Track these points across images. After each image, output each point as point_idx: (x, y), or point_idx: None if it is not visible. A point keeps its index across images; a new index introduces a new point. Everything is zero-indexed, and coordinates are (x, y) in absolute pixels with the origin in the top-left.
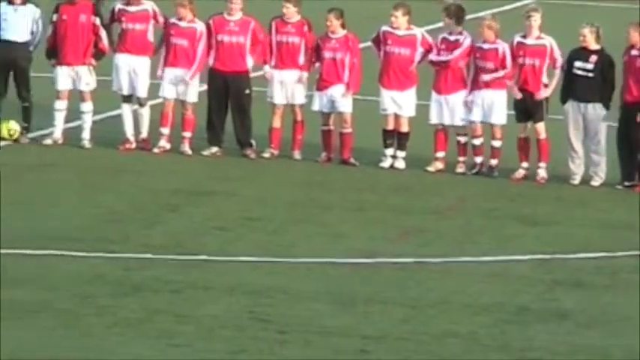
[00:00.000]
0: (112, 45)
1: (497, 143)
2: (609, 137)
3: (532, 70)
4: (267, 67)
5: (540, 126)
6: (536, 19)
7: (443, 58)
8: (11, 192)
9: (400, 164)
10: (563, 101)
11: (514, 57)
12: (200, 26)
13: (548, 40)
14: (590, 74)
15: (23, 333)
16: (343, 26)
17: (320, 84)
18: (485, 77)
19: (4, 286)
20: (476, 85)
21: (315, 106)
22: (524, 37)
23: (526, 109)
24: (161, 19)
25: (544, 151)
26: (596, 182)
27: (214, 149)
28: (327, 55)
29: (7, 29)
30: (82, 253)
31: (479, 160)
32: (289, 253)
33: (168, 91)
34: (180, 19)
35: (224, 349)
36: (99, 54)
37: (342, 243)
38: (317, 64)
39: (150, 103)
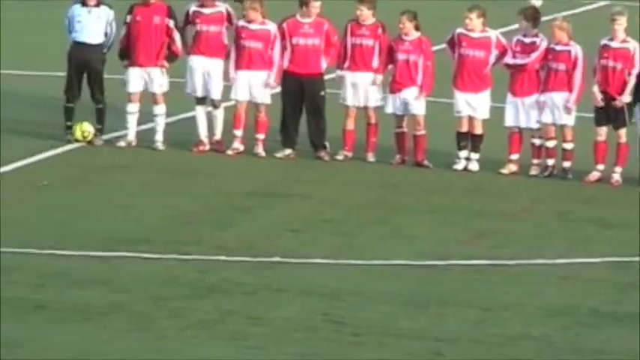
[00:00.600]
0: (185, 47)
1: (568, 145)
2: None
3: (615, 73)
4: (339, 70)
5: (622, 130)
6: (622, 23)
7: (519, 61)
8: (84, 194)
9: (474, 166)
10: (634, 104)
11: (598, 59)
12: (273, 28)
13: (633, 45)
14: None
15: (96, 335)
16: (417, 28)
17: (393, 86)
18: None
19: (76, 287)
20: (547, 86)
21: (389, 109)
22: (610, 39)
23: (607, 112)
24: (235, 22)
25: (622, 155)
26: None
27: (288, 151)
28: (400, 57)
29: (81, 31)
30: (155, 255)
31: (551, 162)
32: (362, 255)
33: (241, 94)
34: (249, 21)
35: (297, 352)
36: (172, 56)
37: (415, 245)
38: (390, 67)
39: (223, 105)
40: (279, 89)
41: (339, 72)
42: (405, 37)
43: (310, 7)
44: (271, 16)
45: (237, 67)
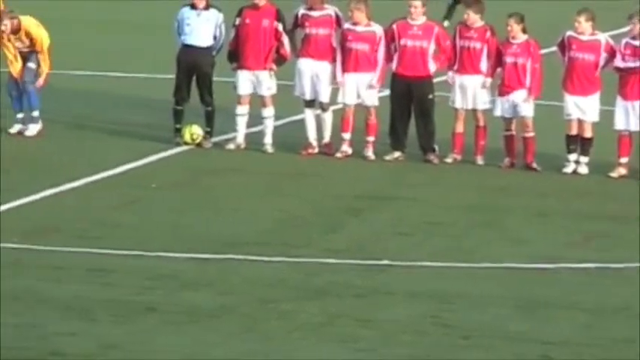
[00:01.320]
0: (294, 50)
1: None
2: None
3: None
4: (450, 73)
5: None
6: None
7: (631, 64)
8: (194, 196)
9: (583, 170)
10: None
11: None
12: (378, 30)
13: None
14: None
15: (205, 337)
16: (524, 31)
17: (502, 89)
18: None
19: (186, 290)
20: None
21: (497, 112)
22: None
23: None
24: (343, 25)
25: None
26: None
27: (397, 154)
28: (508, 60)
29: (190, 34)
30: (264, 257)
31: None
32: (471, 257)
33: (349, 97)
34: (355, 23)
35: (406, 354)
36: (280, 60)
37: (523, 248)
38: (499, 70)
39: (331, 107)
40: (386, 92)
41: (450, 74)
42: (512, 40)
43: (413, 7)
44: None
45: (344, 69)
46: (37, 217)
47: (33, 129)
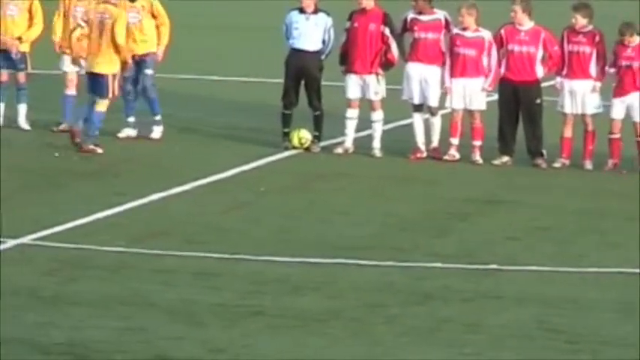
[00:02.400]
0: (402, 55)
1: None
2: None
3: None
4: (558, 78)
5: None
6: None
7: None
8: (302, 201)
9: None
10: None
11: None
12: (487, 35)
13: None
14: None
15: (313, 341)
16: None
17: (617, 91)
18: None
19: (294, 294)
20: None
21: (615, 114)
22: None
23: None
24: (452, 29)
25: None
26: None
27: (505, 158)
28: (623, 63)
29: (299, 38)
30: (372, 261)
31: None
32: (579, 263)
33: (456, 102)
34: (464, 28)
35: (513, 359)
36: (387, 64)
37: (631, 254)
38: (611, 70)
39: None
40: (494, 96)
41: (558, 79)
42: (628, 44)
43: (515, 13)
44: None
45: (452, 74)
46: (146, 221)
47: (157, 131)
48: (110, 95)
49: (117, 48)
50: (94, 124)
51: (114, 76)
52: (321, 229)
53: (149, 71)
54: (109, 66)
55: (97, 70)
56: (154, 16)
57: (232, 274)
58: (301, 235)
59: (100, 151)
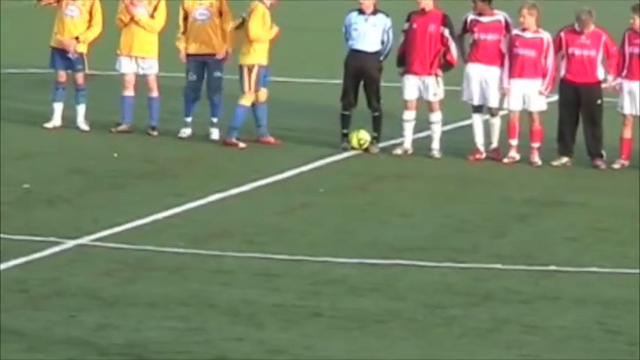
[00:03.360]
0: (462, 56)
1: None
2: None
3: None
4: (618, 79)
5: None
6: None
7: None
8: (361, 201)
9: None
10: None
11: None
12: (546, 36)
13: None
14: None
15: (371, 343)
16: None
17: None
18: None
19: (352, 295)
20: None
21: None
22: None
23: None
24: (512, 30)
25: None
26: None
27: (564, 159)
28: None
29: (358, 39)
30: (431, 262)
31: None
32: (638, 264)
33: (514, 103)
34: (524, 29)
35: None
36: (446, 65)
37: None
38: None
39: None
40: (553, 98)
41: (618, 80)
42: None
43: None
44: None
45: (511, 75)
46: (205, 221)
47: (215, 133)
48: (249, 89)
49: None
50: (237, 117)
51: (250, 68)
52: (380, 230)
53: (218, 74)
54: (247, 57)
55: (241, 61)
56: (220, 14)
57: (291, 274)
58: (360, 236)
59: (242, 145)
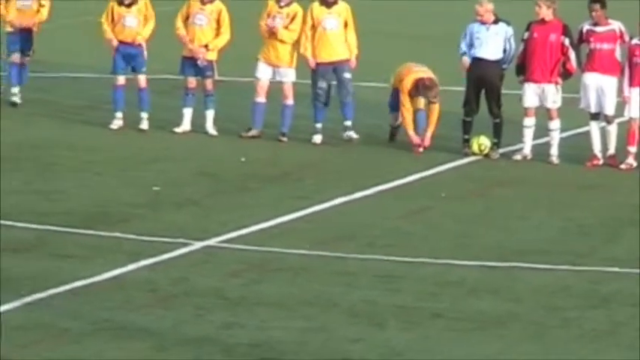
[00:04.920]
0: (579, 65)
1: None
2: None
3: None
4: None
5: None
6: None
7: None
8: (481, 206)
9: None
10: None
11: None
12: None
13: None
14: None
15: (490, 343)
16: None
17: None
18: None
19: (472, 297)
20: None
21: None
22: None
23: None
24: (627, 39)
25: None
26: None
27: None
28: None
29: (480, 47)
30: (549, 265)
31: None
32: None
33: (634, 111)
34: None
35: None
36: (566, 74)
37: None
38: None
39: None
40: None
41: None
42: None
43: None
44: None
45: (631, 84)
46: (329, 224)
47: (353, 134)
48: None
49: None
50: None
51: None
52: (499, 234)
53: (347, 75)
54: None
55: None
56: (345, 25)
57: (412, 276)
58: (480, 239)
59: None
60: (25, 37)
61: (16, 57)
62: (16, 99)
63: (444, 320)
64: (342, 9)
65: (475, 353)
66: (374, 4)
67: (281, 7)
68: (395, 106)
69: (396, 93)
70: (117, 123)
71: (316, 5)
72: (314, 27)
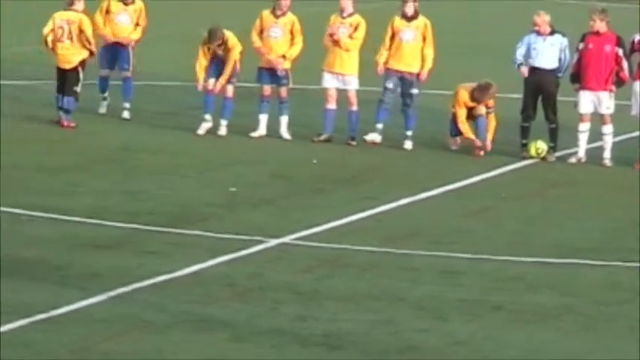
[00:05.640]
0: (631, 74)
1: None
2: None
3: None
4: None
5: None
6: None
7: None
8: (539, 206)
9: None
10: None
11: None
12: None
13: None
14: None
15: (547, 335)
16: None
17: None
18: None
19: (531, 291)
20: None
21: None
22: None
23: None
24: None
25: None
26: None
27: None
28: None
29: (537, 57)
30: (601, 262)
31: None
32: None
33: None
34: None
35: None
36: (619, 82)
37: None
38: None
39: None
40: None
41: None
42: None
43: None
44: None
45: None
46: (395, 223)
47: (409, 144)
48: None
49: None
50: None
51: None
52: (555, 232)
53: (415, 91)
54: None
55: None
56: (424, 39)
57: (474, 272)
58: (537, 237)
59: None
60: (119, 52)
61: (105, 72)
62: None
63: (504, 313)
64: (421, 23)
65: (533, 343)
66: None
67: (344, 18)
68: (453, 130)
69: (454, 117)
70: (205, 126)
71: (397, 18)
72: (393, 37)
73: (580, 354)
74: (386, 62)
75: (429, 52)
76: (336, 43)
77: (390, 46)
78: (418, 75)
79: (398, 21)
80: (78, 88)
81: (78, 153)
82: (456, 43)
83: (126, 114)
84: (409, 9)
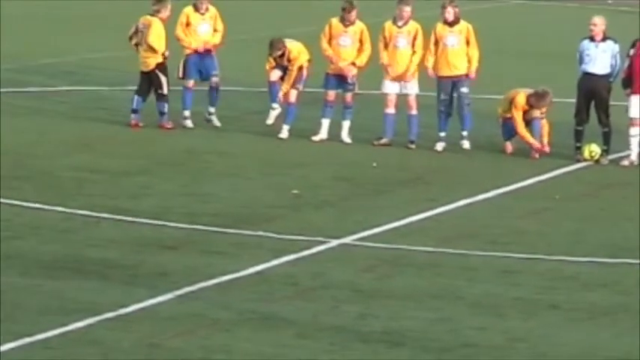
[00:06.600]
0: None
1: None
2: None
3: None
4: None
5: None
6: None
7: None
8: (592, 207)
9: None
10: None
11: None
12: None
13: None
14: None
15: (601, 333)
16: None
17: None
18: None
19: (585, 289)
20: None
21: None
22: None
23: None
24: None
25: None
26: None
27: None
28: None
29: (590, 63)
30: None
31: None
32: None
33: None
34: None
35: None
36: None
37: None
38: None
39: None
40: None
41: None
42: None
43: None
44: None
45: None
46: (454, 224)
47: (467, 144)
48: None
49: None
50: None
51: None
52: (609, 233)
53: (465, 90)
54: None
55: None
56: (467, 43)
57: (530, 271)
58: (591, 237)
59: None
60: (206, 59)
61: (190, 82)
62: (214, 121)
63: (560, 311)
64: (464, 28)
65: (587, 340)
66: (483, 24)
67: (400, 27)
68: (506, 132)
69: (504, 121)
70: (273, 115)
71: (440, 24)
72: (437, 43)
73: (634, 352)
74: (434, 67)
75: (474, 53)
76: (397, 49)
77: (436, 51)
78: (467, 75)
79: (440, 27)
80: (163, 91)
81: (145, 156)
82: (509, 49)
83: (214, 120)
84: (449, 14)
